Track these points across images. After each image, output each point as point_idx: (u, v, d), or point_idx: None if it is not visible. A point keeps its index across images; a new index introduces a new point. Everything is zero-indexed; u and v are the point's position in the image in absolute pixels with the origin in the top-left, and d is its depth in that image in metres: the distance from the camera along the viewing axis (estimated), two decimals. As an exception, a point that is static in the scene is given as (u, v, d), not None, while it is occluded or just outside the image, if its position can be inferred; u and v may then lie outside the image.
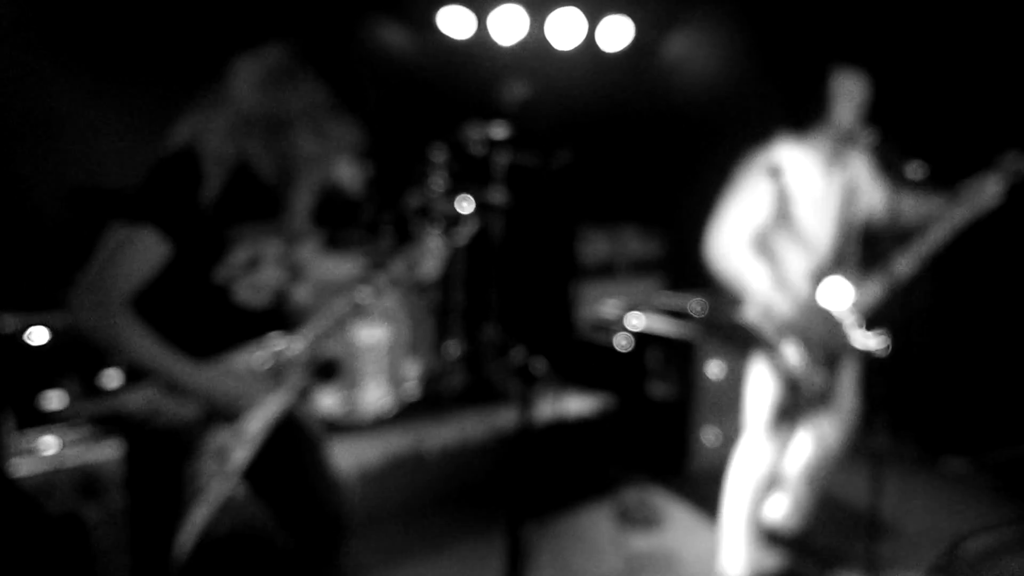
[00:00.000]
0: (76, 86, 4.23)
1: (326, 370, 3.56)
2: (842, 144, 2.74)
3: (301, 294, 1.91)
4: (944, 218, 2.70)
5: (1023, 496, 3.86)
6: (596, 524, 3.49)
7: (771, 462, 2.86)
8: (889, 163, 2.39)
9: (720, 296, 3.11)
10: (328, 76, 1.73)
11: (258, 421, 1.80)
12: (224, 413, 1.74)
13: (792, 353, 2.71)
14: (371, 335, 3.75)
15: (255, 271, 1.76)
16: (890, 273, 2.69)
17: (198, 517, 1.71)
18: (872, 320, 2.74)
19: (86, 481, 3.00)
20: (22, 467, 3.03)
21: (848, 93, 2.67)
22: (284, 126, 1.69)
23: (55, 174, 4.12)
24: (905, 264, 2.70)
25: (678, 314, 4.14)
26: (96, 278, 1.59)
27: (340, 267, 2.11)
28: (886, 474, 2.63)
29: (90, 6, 4.20)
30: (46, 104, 4.14)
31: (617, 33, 5.68)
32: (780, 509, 3.15)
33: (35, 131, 4.12)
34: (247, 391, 1.75)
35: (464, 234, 2.11)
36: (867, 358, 2.77)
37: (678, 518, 3.56)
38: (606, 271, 5.50)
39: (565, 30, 5.53)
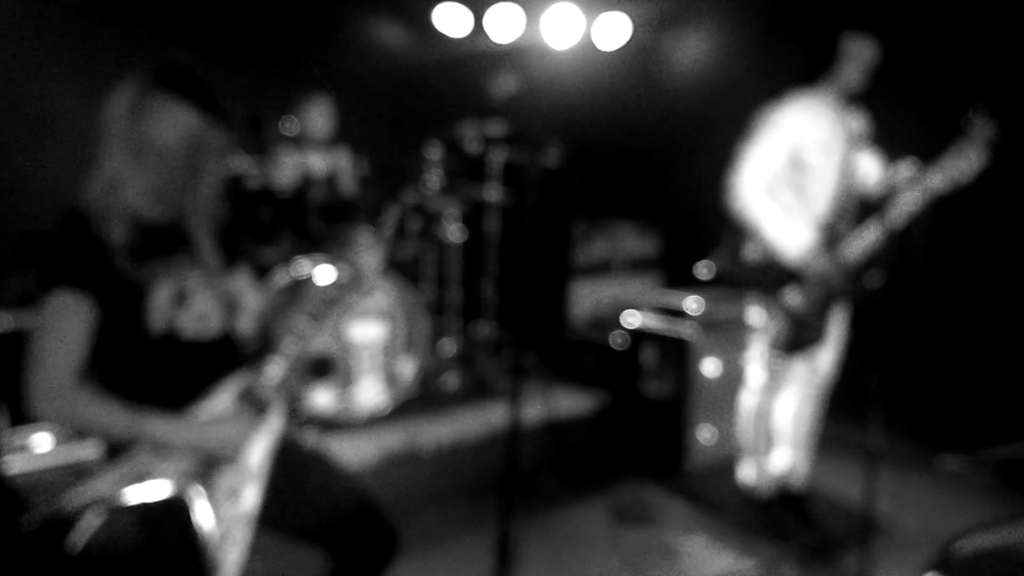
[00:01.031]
0: (73, 89, 4.19)
1: (320, 368, 3.53)
2: (846, 102, 2.95)
3: (243, 326, 1.86)
4: (923, 182, 2.81)
5: (1018, 494, 3.83)
6: (592, 521, 3.44)
7: (772, 395, 3.17)
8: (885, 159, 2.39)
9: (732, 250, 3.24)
10: (192, 96, 1.68)
11: (257, 454, 1.76)
12: (220, 457, 1.69)
13: (794, 293, 2.93)
14: (366, 333, 3.71)
15: (188, 303, 1.71)
16: (885, 220, 2.85)
17: (232, 563, 1.66)
18: (869, 265, 2.93)
19: (79, 479, 2.97)
20: (15, 465, 3.00)
21: (858, 55, 2.86)
22: (159, 160, 1.65)
23: (51, 176, 4.08)
24: (892, 219, 2.84)
25: (674, 312, 4.11)
26: (36, 361, 1.55)
27: (269, 294, 2.06)
28: (881, 471, 2.61)
29: (88, 9, 4.16)
30: (43, 106, 4.10)
31: (614, 30, 5.65)
32: (782, 462, 3.29)
33: (32, 133, 4.09)
34: (235, 431, 1.70)
35: (388, 225, 2.06)
36: (859, 305, 3.03)
37: (674, 515, 3.52)
38: (602, 269, 5.46)
39: (561, 27, 5.50)
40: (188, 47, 4.38)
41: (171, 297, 1.68)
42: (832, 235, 2.96)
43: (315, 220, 3.67)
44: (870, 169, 3.13)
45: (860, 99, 2.98)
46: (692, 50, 5.89)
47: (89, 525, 2.39)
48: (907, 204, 2.83)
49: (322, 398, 3.58)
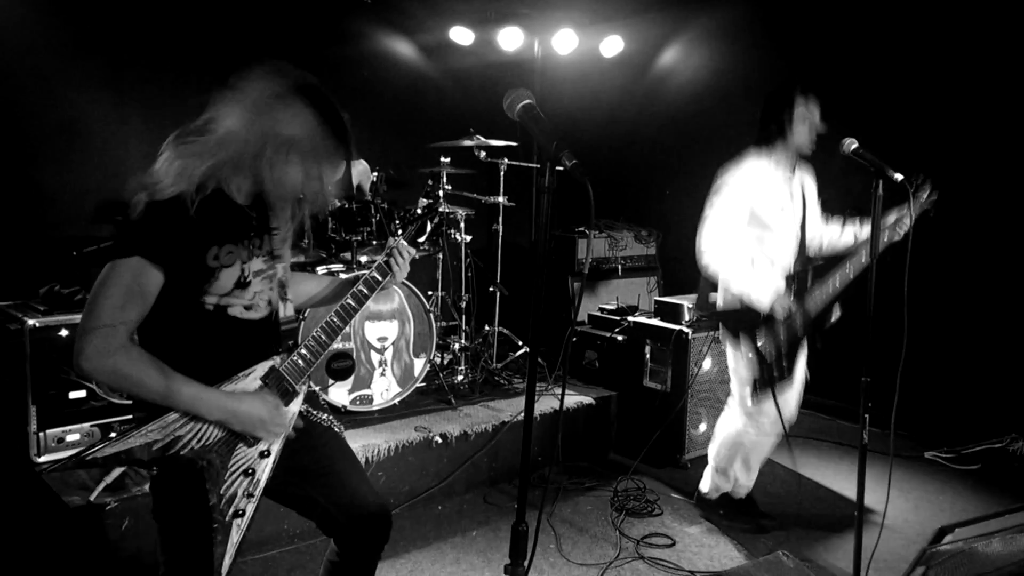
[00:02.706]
0: (100, 98, 4.21)
1: (343, 372, 3.56)
2: (798, 159, 3.08)
3: (287, 311, 1.90)
4: (862, 246, 2.97)
5: (998, 486, 3.86)
6: (597, 511, 3.48)
7: (744, 425, 3.21)
8: (874, 171, 2.39)
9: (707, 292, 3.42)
10: (316, 106, 1.69)
11: (277, 435, 1.78)
12: (244, 433, 1.71)
13: (762, 337, 3.01)
14: (380, 330, 3.74)
15: (247, 287, 1.74)
16: (833, 280, 3.01)
17: (236, 536, 1.68)
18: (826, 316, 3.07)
19: (108, 471, 3.00)
20: (45, 458, 3.02)
21: (805, 117, 2.99)
22: (267, 152, 1.64)
23: (79, 184, 4.11)
24: (850, 272, 2.99)
25: (673, 312, 4.13)
26: (94, 318, 1.54)
27: (312, 284, 2.12)
28: (873, 467, 2.63)
29: (115, 20, 4.18)
30: (69, 115, 4.12)
31: (612, 49, 5.72)
32: (737, 477, 3.36)
33: (60, 142, 4.11)
34: (263, 410, 1.72)
35: (411, 232, 2.08)
36: (819, 342, 3.11)
37: (673, 505, 3.55)
38: (606, 271, 5.49)
39: (566, 43, 5.56)
40: (207, 61, 4.41)
41: (234, 283, 1.71)
42: (796, 283, 3.06)
43: (333, 226, 3.69)
44: (822, 222, 3.24)
45: (810, 158, 3.11)
46: (688, 66, 5.93)
47: (110, 478, 2.42)
48: (865, 259, 2.93)
49: (337, 392, 3.61)
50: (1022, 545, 2.30)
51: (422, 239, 2.10)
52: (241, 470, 1.70)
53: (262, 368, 1.77)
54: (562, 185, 1.52)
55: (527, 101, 1.58)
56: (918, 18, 4.44)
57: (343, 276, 2.14)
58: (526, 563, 1.56)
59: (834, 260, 3.06)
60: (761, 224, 3.05)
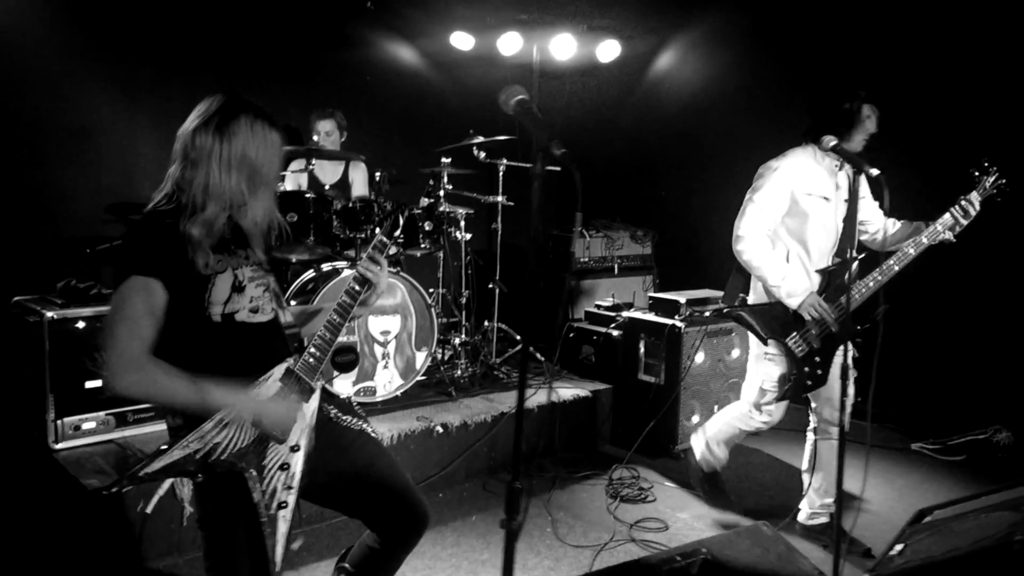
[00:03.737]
0: (111, 101, 4.33)
1: (347, 365, 3.67)
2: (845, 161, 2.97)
3: (287, 318, 2.02)
4: (930, 230, 2.94)
5: (986, 476, 3.96)
6: (592, 499, 3.59)
7: (748, 413, 3.26)
8: (853, 166, 2.49)
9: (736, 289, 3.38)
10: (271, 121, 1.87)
11: (300, 429, 1.89)
12: (274, 430, 1.82)
13: (794, 336, 2.99)
14: (383, 324, 3.85)
15: (243, 293, 1.86)
16: (881, 271, 2.94)
17: (283, 527, 1.79)
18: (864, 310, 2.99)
19: (123, 458, 3.11)
20: (62, 445, 3.14)
21: (868, 124, 2.96)
22: (251, 171, 1.82)
23: (93, 184, 4.23)
24: (895, 264, 2.94)
25: (667, 308, 4.24)
26: (112, 338, 1.68)
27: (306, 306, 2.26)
28: (858, 457, 2.72)
29: (125, 25, 4.30)
30: (83, 117, 4.26)
31: (609, 52, 5.83)
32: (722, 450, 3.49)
33: (73, 144, 4.24)
34: (286, 407, 1.84)
35: (388, 228, 2.18)
36: (857, 340, 2.98)
37: (666, 493, 3.66)
38: (602, 269, 5.59)
39: (564, 48, 5.68)
40: (215, 64, 4.54)
41: (230, 287, 1.84)
42: (834, 280, 3.01)
43: (336, 224, 3.80)
44: (867, 218, 3.19)
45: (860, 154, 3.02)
46: (684, 70, 6.04)
47: (158, 492, 2.54)
48: (913, 250, 2.93)
49: (341, 384, 3.72)
50: (996, 522, 2.41)
51: (397, 232, 2.20)
52: (277, 465, 1.82)
53: (279, 371, 1.88)
54: (563, 184, 1.63)
55: (520, 96, 1.70)
56: (915, 19, 4.54)
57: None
58: (520, 517, 1.63)
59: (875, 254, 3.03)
60: (800, 217, 3.01)
